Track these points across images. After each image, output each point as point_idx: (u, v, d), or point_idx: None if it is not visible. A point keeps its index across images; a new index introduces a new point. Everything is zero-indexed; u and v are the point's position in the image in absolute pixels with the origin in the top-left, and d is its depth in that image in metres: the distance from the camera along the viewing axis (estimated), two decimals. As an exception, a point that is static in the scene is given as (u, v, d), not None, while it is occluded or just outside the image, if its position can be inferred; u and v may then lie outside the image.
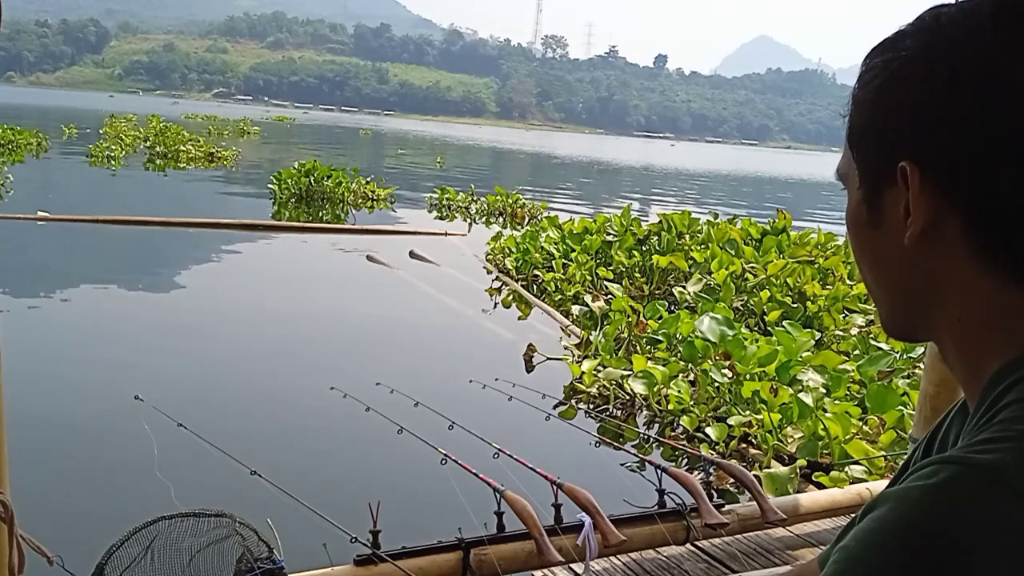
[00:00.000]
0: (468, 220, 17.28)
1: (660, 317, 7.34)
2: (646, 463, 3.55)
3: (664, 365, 6.25)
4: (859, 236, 0.73)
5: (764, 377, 5.80)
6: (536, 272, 10.67)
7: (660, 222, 11.37)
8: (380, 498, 2.64)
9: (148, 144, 28.76)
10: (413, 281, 10.48)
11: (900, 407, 5.13)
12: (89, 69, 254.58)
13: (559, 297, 9.69)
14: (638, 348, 7.15)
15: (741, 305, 8.78)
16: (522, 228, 15.00)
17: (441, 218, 17.31)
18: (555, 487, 2.91)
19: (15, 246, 11.34)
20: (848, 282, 9.04)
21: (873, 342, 6.88)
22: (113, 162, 23.51)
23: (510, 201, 17.70)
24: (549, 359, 7.20)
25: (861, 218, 0.72)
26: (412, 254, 11.93)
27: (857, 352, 6.99)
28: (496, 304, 9.77)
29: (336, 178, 18.09)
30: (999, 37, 0.63)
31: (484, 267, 11.62)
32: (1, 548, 1.63)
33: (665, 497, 3.13)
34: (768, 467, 4.96)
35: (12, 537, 1.63)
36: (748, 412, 5.51)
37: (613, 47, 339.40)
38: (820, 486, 4.57)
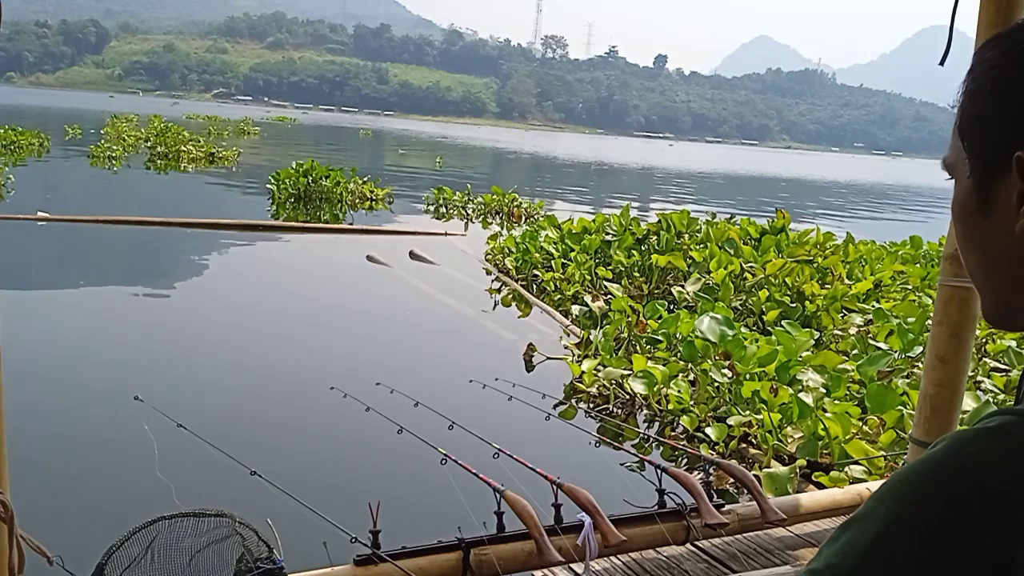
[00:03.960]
0: (465, 220, 17.29)
1: (660, 317, 7.34)
2: (646, 463, 3.55)
3: (664, 365, 6.25)
4: (967, 224, 0.74)
5: (764, 377, 5.80)
6: (536, 272, 10.68)
7: (659, 221, 11.37)
8: (380, 498, 2.64)
9: (149, 145, 28.77)
10: (413, 281, 10.48)
11: (900, 407, 5.13)
12: (89, 69, 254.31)
13: (559, 297, 9.69)
14: (638, 348, 7.16)
15: (740, 304, 8.78)
16: (519, 228, 15.02)
17: (438, 218, 17.32)
18: (555, 487, 2.91)
19: (15, 247, 11.34)
20: (847, 281, 9.04)
21: (872, 342, 6.89)
22: (114, 163, 23.52)
23: (507, 201, 17.71)
24: (549, 359, 7.21)
25: (970, 206, 0.73)
26: (412, 254, 11.93)
27: (856, 352, 7.00)
28: (496, 304, 9.78)
29: (334, 178, 18.09)
30: None
31: (484, 267, 11.62)
32: (1, 548, 1.63)
33: (665, 497, 3.13)
34: (768, 467, 4.96)
35: (12, 537, 1.63)
36: (748, 412, 5.51)
37: (613, 47, 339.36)
38: (820, 486, 4.58)
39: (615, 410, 6.15)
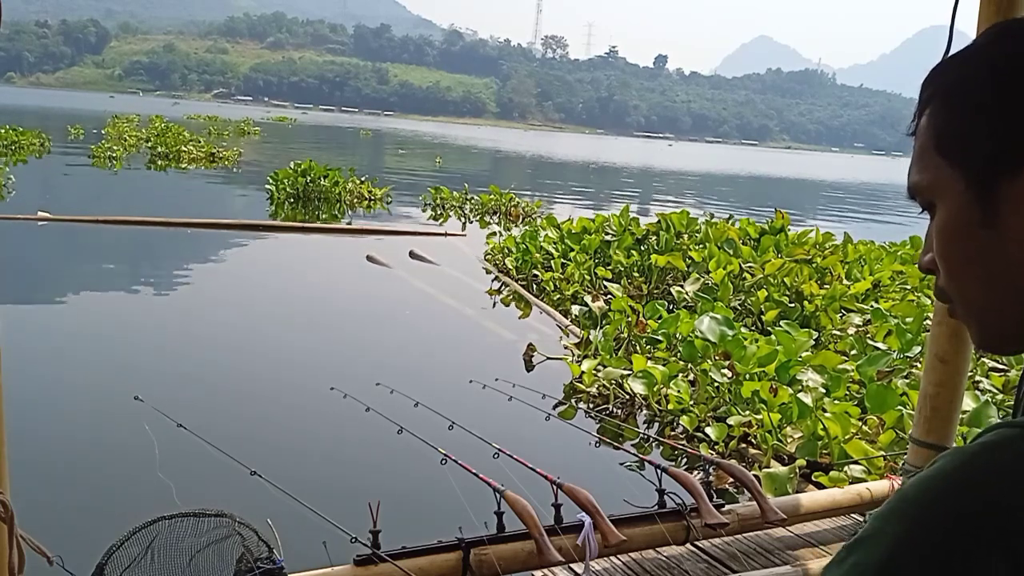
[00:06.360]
0: (462, 219, 17.29)
1: (660, 317, 7.34)
2: (646, 463, 3.56)
3: (664, 365, 6.25)
4: (967, 242, 0.71)
5: (764, 377, 5.80)
6: (536, 272, 10.68)
7: (658, 222, 11.37)
8: (380, 498, 2.64)
9: (150, 145, 28.77)
10: (413, 281, 10.49)
11: (899, 407, 5.13)
12: (89, 70, 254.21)
13: (558, 297, 9.70)
14: (638, 348, 7.16)
15: (739, 304, 8.79)
16: (517, 227, 15.04)
17: (435, 218, 17.32)
18: (555, 487, 2.91)
19: (16, 246, 11.34)
20: (845, 282, 9.04)
21: (870, 342, 6.89)
22: (115, 163, 23.52)
23: (504, 200, 17.72)
24: (549, 359, 7.21)
25: (973, 220, 0.70)
26: (412, 254, 11.93)
27: (854, 352, 6.99)
28: (496, 304, 9.78)
29: (332, 178, 18.09)
30: None
31: (483, 267, 11.62)
32: (1, 548, 1.63)
33: (665, 497, 3.13)
34: (768, 467, 4.96)
35: (12, 537, 1.63)
36: (748, 412, 5.52)
37: (613, 47, 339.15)
38: (820, 486, 4.58)
39: (615, 410, 6.15)
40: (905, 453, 3.71)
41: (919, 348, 6.20)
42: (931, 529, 0.59)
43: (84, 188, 19.25)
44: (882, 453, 4.89)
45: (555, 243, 11.31)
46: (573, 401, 6.31)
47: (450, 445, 3.17)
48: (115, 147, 25.78)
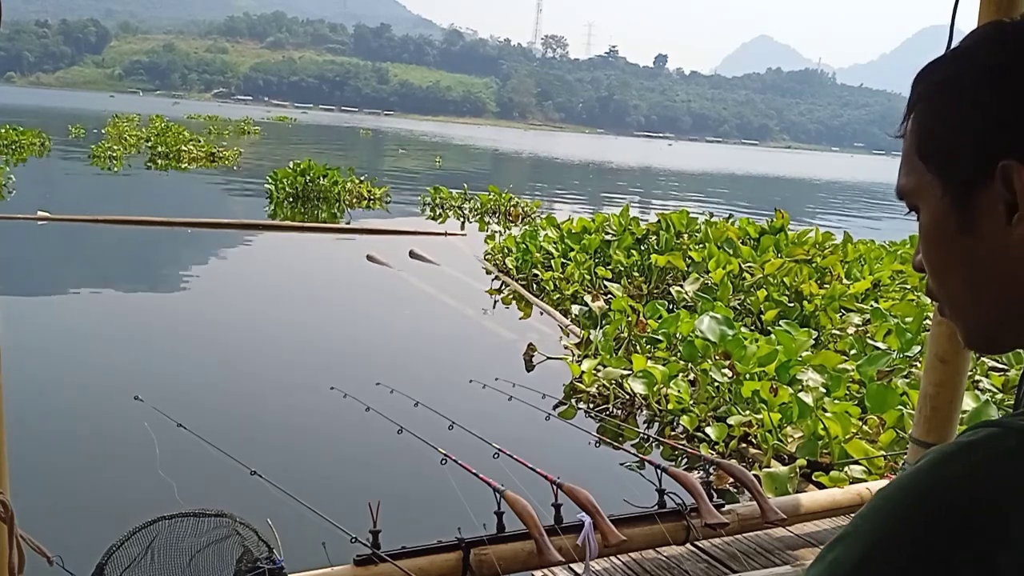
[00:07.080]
0: (461, 219, 17.29)
1: (660, 317, 7.34)
2: (646, 463, 3.56)
3: (664, 365, 6.25)
4: (947, 246, 0.72)
5: (764, 377, 5.80)
6: (536, 271, 10.68)
7: (658, 221, 11.37)
8: (380, 498, 2.64)
9: (150, 144, 28.75)
10: (413, 281, 10.49)
11: (900, 407, 5.13)
12: (89, 69, 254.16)
13: (558, 296, 9.70)
14: (638, 348, 7.16)
15: (739, 304, 8.78)
16: (516, 227, 15.05)
17: (434, 218, 17.33)
18: (555, 487, 2.91)
19: (16, 246, 11.34)
20: (845, 281, 9.04)
21: (870, 341, 6.89)
22: (115, 162, 23.51)
23: (503, 200, 17.72)
24: (549, 359, 7.21)
25: (951, 226, 0.71)
26: (412, 254, 11.93)
27: (854, 351, 6.99)
28: (496, 304, 9.78)
29: (332, 177, 18.09)
30: None
31: (483, 267, 11.62)
32: (1, 548, 1.63)
33: (665, 497, 3.13)
34: (768, 467, 4.96)
35: (12, 537, 1.63)
36: (748, 412, 5.51)
37: (613, 47, 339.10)
38: (820, 486, 4.58)
39: (615, 410, 6.15)
40: (905, 453, 3.71)
41: (919, 348, 6.19)
42: (908, 526, 0.59)
43: (84, 188, 19.24)
44: (882, 453, 4.89)
45: (555, 243, 11.31)
46: (573, 401, 6.31)
47: (450, 445, 3.17)
48: (115, 147, 25.76)
